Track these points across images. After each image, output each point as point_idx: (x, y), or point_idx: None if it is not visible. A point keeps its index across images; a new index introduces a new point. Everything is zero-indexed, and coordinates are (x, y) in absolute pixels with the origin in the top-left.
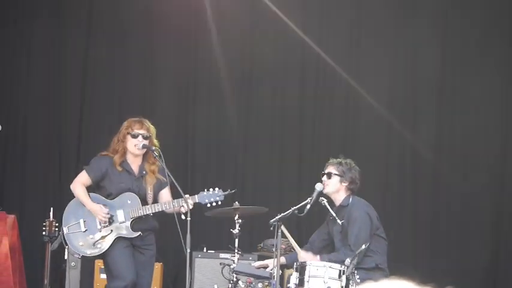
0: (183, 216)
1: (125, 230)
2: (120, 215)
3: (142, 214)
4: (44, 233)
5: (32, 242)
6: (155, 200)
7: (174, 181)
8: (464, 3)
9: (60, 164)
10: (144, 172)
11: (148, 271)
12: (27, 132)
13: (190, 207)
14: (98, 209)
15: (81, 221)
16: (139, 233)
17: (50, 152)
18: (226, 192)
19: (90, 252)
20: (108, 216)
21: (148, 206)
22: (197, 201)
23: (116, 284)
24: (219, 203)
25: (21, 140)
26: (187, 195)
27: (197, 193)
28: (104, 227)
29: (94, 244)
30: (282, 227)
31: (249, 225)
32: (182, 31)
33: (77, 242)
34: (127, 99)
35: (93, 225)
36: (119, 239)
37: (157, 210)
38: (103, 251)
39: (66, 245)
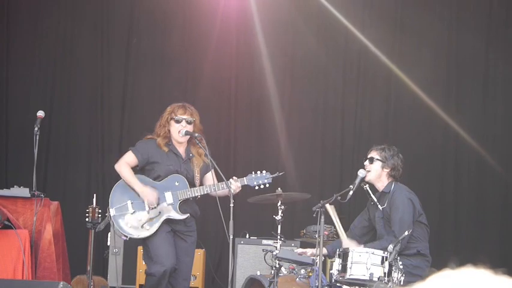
0: (232, 200)
1: (173, 212)
2: (168, 196)
3: (190, 196)
4: (87, 219)
5: (75, 229)
6: (201, 183)
7: (216, 167)
8: None
9: (103, 150)
10: (191, 155)
11: (190, 257)
12: (70, 119)
13: (239, 189)
14: (149, 194)
15: (129, 202)
16: (188, 214)
17: (93, 138)
18: (274, 175)
19: (137, 234)
20: (157, 201)
21: (196, 188)
22: (246, 183)
23: (155, 269)
24: (267, 185)
25: (64, 126)
26: (234, 178)
27: (244, 176)
28: (152, 208)
29: (142, 226)
30: (332, 211)
31: (291, 211)
32: (224, 22)
33: (125, 224)
34: (169, 84)
35: (141, 206)
36: (164, 222)
37: (205, 192)
38: (151, 233)
39: (113, 227)
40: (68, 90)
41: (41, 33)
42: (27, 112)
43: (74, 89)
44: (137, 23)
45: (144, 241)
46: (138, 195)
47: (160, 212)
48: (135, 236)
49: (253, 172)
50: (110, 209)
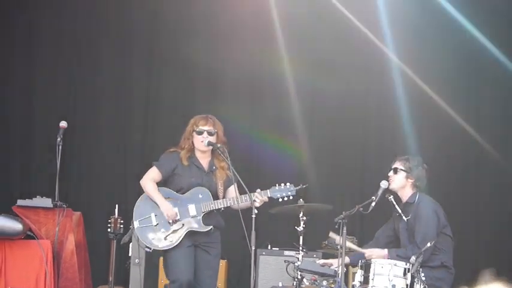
0: (255, 211)
1: (196, 224)
2: (191, 209)
3: (214, 208)
4: (109, 230)
5: (98, 239)
6: (224, 196)
7: (240, 180)
8: None
9: (125, 162)
10: (214, 167)
11: (213, 270)
12: (93, 130)
13: (263, 201)
14: (169, 209)
15: (153, 215)
16: (211, 227)
17: (116, 150)
18: (298, 187)
19: (161, 245)
20: (175, 217)
21: (219, 201)
22: (269, 195)
23: (172, 285)
24: (291, 197)
25: (87, 137)
26: (258, 190)
27: (268, 188)
28: (175, 222)
29: (165, 238)
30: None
31: (313, 222)
32: (247, 29)
33: (148, 236)
34: (192, 94)
35: (164, 219)
36: (187, 234)
37: (228, 205)
38: (174, 244)
39: (137, 239)
40: (92, 101)
41: (63, 42)
42: (51, 122)
43: (98, 99)
44: (159, 30)
45: (164, 253)
46: None
47: (183, 224)
48: (159, 248)
49: (276, 184)
50: (134, 221)
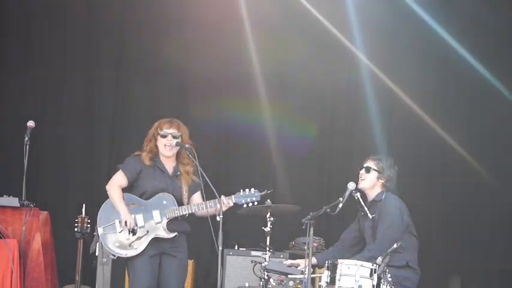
0: (218, 218)
1: (162, 231)
2: (156, 215)
3: (178, 215)
4: (76, 229)
5: (64, 238)
6: (189, 202)
7: (208, 181)
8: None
9: (92, 161)
10: (178, 172)
11: (181, 274)
12: (61, 129)
13: (228, 207)
14: (127, 216)
15: (117, 221)
16: (176, 233)
17: (83, 149)
18: (262, 193)
19: (125, 253)
20: (133, 226)
21: (184, 207)
22: (234, 201)
23: None
24: (256, 203)
25: (54, 137)
26: (222, 196)
27: (232, 193)
28: (140, 227)
29: (130, 245)
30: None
31: (280, 223)
32: (216, 31)
33: (112, 244)
34: (161, 95)
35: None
36: (152, 241)
37: (193, 211)
38: (139, 252)
39: (101, 246)
40: (59, 101)
41: (33, 43)
42: (18, 122)
43: (65, 99)
44: (129, 31)
45: (126, 261)
46: (130, 211)
47: (148, 231)
48: (123, 255)
49: (241, 190)
50: (98, 228)
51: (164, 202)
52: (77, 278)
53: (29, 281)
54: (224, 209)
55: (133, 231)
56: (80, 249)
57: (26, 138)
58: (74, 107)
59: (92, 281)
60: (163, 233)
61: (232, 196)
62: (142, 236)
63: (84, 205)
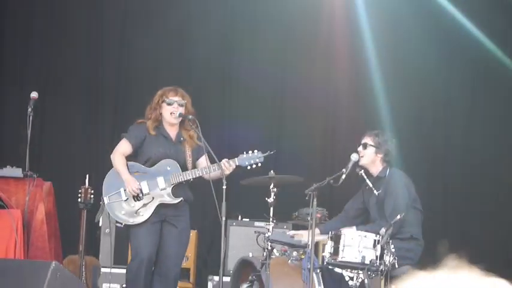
0: (224, 181)
1: (167, 197)
2: (160, 181)
3: (183, 179)
4: (79, 199)
5: (68, 209)
6: (194, 167)
7: (210, 150)
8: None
9: (96, 131)
10: (182, 138)
11: (181, 244)
12: (65, 100)
13: (231, 170)
14: (131, 182)
15: (122, 190)
16: (181, 198)
17: (87, 119)
18: (265, 154)
19: (132, 220)
20: (138, 192)
21: (188, 172)
22: (237, 163)
23: (132, 262)
24: (259, 164)
25: (58, 107)
26: (226, 159)
27: (236, 157)
28: (137, 197)
29: (136, 212)
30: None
31: (283, 194)
32: None
33: (119, 211)
34: (163, 69)
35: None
36: (158, 207)
37: (197, 176)
38: (146, 218)
39: (108, 215)
40: (63, 70)
41: (36, 13)
42: (21, 92)
43: (69, 69)
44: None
45: (128, 229)
46: (135, 178)
47: (153, 198)
48: (130, 223)
49: (244, 152)
50: (104, 197)
51: (168, 168)
52: (81, 248)
53: (32, 250)
54: (228, 172)
55: (138, 198)
56: (83, 219)
57: (30, 109)
58: (77, 77)
59: (95, 251)
60: (169, 199)
61: (236, 158)
62: (148, 203)
63: (87, 176)
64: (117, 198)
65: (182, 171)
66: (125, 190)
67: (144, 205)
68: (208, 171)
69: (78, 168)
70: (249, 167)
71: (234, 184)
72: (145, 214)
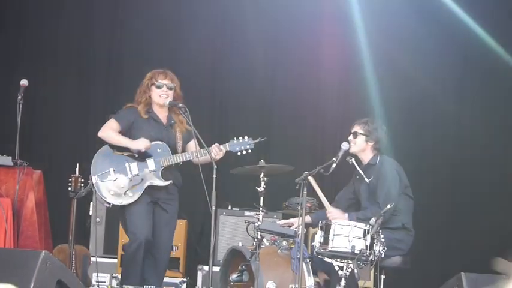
0: (215, 166)
1: (156, 179)
2: (150, 163)
3: (173, 162)
4: (69, 188)
5: (58, 198)
6: (183, 150)
7: (198, 135)
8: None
9: (87, 120)
10: (172, 121)
11: (171, 227)
12: (54, 88)
13: (221, 155)
14: (137, 142)
15: (111, 169)
16: (171, 181)
17: (78, 108)
18: (256, 140)
19: (119, 201)
20: (150, 145)
21: (178, 155)
22: (228, 149)
23: (129, 244)
24: (249, 151)
25: (48, 96)
26: (216, 144)
27: (227, 142)
28: (135, 175)
29: (125, 193)
30: (313, 182)
31: (274, 183)
32: None
33: (107, 191)
34: (155, 53)
35: (123, 173)
36: (146, 189)
37: (187, 159)
38: (134, 200)
39: (95, 195)
40: (53, 58)
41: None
42: (11, 80)
43: (59, 57)
44: None
45: (121, 210)
46: (121, 162)
47: (142, 179)
48: (117, 203)
49: (235, 138)
50: (92, 176)
51: (158, 150)
52: (71, 238)
53: (22, 239)
54: (218, 157)
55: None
56: (74, 208)
57: (19, 97)
58: (67, 65)
59: (85, 241)
60: (158, 181)
61: (226, 144)
62: (137, 184)
63: (77, 164)
64: (106, 178)
65: (172, 154)
66: (114, 170)
67: (133, 186)
68: (198, 155)
69: (68, 157)
70: (239, 153)
71: (224, 173)
72: (134, 195)
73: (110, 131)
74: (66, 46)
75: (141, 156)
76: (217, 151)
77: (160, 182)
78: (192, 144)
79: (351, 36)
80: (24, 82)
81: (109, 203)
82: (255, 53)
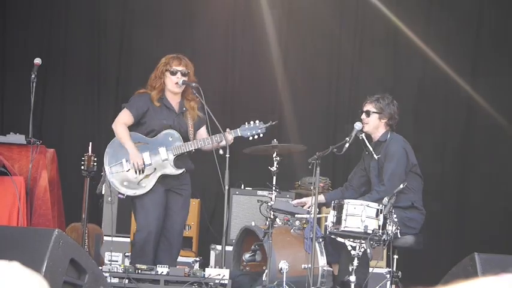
0: (221, 151)
1: (169, 168)
2: (162, 152)
3: (185, 151)
4: (82, 167)
5: (71, 176)
6: (195, 138)
7: (214, 118)
8: None
9: (99, 99)
10: (184, 109)
11: (185, 211)
12: (67, 67)
13: (231, 141)
14: (136, 156)
15: (124, 160)
16: (183, 169)
17: (89, 87)
18: (267, 124)
19: (134, 192)
20: (142, 167)
21: (190, 142)
22: (239, 134)
23: (139, 235)
24: (261, 135)
25: (60, 74)
26: (228, 130)
27: (238, 127)
28: (140, 169)
29: (138, 183)
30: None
31: (287, 163)
32: None
33: (121, 182)
34: (166, 36)
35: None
36: (160, 178)
37: (199, 146)
38: (148, 189)
39: (109, 186)
40: (65, 38)
41: None
42: (24, 59)
43: (71, 36)
44: None
45: (133, 201)
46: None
47: (155, 169)
48: (131, 194)
49: (246, 122)
50: (105, 167)
51: (170, 139)
52: (83, 216)
53: (35, 218)
54: (230, 143)
55: (141, 171)
56: (86, 187)
57: (33, 76)
58: (79, 44)
59: (98, 220)
60: (171, 170)
61: (238, 129)
62: (150, 174)
63: (90, 143)
64: (119, 169)
65: (184, 142)
66: (127, 161)
67: (147, 176)
68: (210, 141)
69: (81, 135)
70: (250, 138)
71: (237, 152)
72: (148, 185)
73: (120, 126)
74: (78, 24)
75: (153, 146)
76: (227, 138)
77: (173, 171)
78: (203, 131)
79: (362, 15)
80: (37, 61)
81: (123, 194)
82: (268, 31)
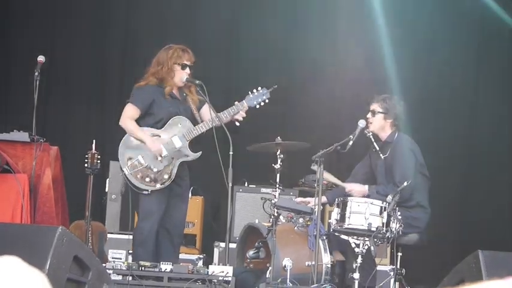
0: (237, 123)
1: (187, 153)
2: (176, 140)
3: (197, 134)
4: (86, 165)
5: (75, 174)
6: (201, 120)
7: (212, 108)
8: None
9: (103, 95)
10: (184, 94)
11: (185, 203)
12: (71, 64)
13: (244, 114)
14: (153, 144)
15: (140, 157)
16: (200, 152)
17: (93, 84)
18: (270, 89)
19: (159, 185)
20: (163, 153)
21: (200, 125)
22: (246, 105)
23: (143, 225)
24: (267, 101)
25: (64, 71)
26: (236, 103)
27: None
28: (162, 157)
29: (160, 176)
30: (331, 177)
31: (290, 160)
32: None
33: (143, 179)
34: (170, 35)
35: (152, 157)
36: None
37: (210, 127)
38: (173, 177)
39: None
40: (69, 35)
41: None
42: (28, 56)
43: (75, 33)
44: None
45: (138, 194)
46: (146, 146)
47: (173, 158)
48: (158, 188)
49: (249, 92)
50: (123, 168)
51: (179, 125)
52: (87, 214)
53: (39, 215)
54: (241, 117)
55: (162, 159)
56: (90, 185)
57: (36, 73)
58: (83, 41)
59: (101, 217)
60: (191, 154)
61: (243, 101)
62: (169, 164)
63: (94, 141)
64: (138, 166)
65: (194, 125)
66: (142, 157)
67: (166, 167)
68: (220, 119)
69: (85, 133)
70: (257, 106)
71: (241, 150)
72: (171, 175)
73: (129, 121)
74: (82, 21)
75: (165, 136)
76: (240, 109)
77: (191, 156)
78: (205, 111)
79: (370, 12)
80: (41, 58)
81: (147, 190)
82: (273, 23)
